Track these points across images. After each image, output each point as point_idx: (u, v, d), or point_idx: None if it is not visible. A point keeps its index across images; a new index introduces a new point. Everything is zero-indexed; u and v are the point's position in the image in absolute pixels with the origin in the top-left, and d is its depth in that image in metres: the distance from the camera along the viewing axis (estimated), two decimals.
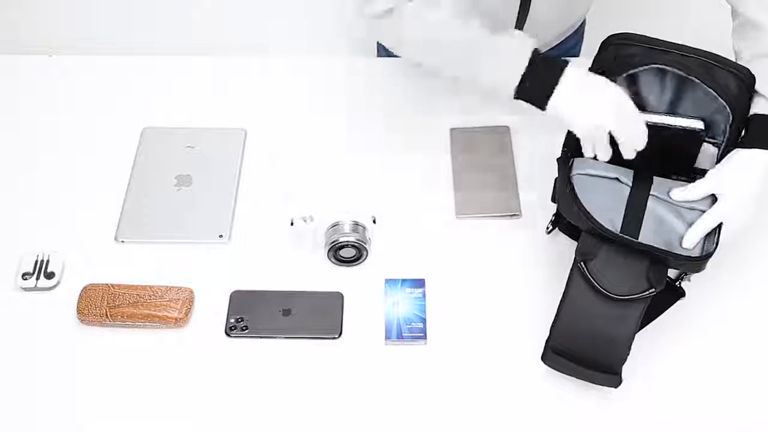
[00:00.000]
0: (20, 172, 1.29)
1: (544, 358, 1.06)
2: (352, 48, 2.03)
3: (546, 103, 1.06)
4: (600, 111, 1.04)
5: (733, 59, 1.10)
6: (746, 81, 1.07)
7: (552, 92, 1.05)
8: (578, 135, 1.06)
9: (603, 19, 1.50)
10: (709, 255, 1.04)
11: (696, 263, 1.05)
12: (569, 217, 1.09)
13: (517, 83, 1.06)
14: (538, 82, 1.06)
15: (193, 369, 1.10)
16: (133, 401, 1.07)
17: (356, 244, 1.15)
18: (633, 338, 1.03)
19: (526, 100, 1.08)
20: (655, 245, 1.04)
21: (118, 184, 1.27)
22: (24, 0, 2.27)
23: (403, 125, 1.34)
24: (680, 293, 1.14)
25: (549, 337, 1.06)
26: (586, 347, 1.04)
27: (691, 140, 1.09)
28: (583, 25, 1.47)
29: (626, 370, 1.05)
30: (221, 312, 1.14)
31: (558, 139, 1.12)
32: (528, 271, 1.18)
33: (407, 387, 1.09)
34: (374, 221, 1.17)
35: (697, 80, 1.05)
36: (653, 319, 1.10)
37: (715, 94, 1.05)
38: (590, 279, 1.03)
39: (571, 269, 1.06)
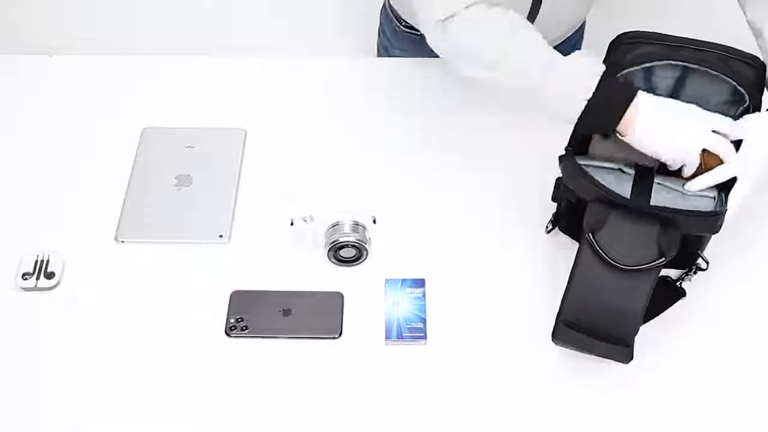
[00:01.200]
0: (20, 172, 1.29)
1: (555, 334, 1.04)
2: (352, 48, 2.03)
3: (616, 128, 1.03)
4: (685, 138, 1.03)
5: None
6: (760, 69, 1.08)
7: (622, 115, 1.02)
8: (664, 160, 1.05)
9: (602, 19, 1.51)
10: (722, 212, 1.02)
11: (709, 222, 1.03)
12: (576, 186, 1.07)
13: (581, 109, 1.02)
14: (607, 107, 1.02)
15: (193, 369, 1.10)
16: (133, 402, 1.07)
17: (356, 244, 1.15)
18: (645, 309, 1.02)
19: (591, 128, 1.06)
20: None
21: (118, 184, 1.27)
22: (24, 0, 2.27)
23: (403, 125, 1.34)
24: (681, 293, 1.14)
25: (559, 312, 1.04)
26: (597, 320, 1.02)
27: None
28: (583, 24, 1.47)
29: (629, 367, 1.04)
30: (221, 312, 1.14)
31: (558, 138, 1.12)
32: (528, 271, 1.18)
33: (407, 387, 1.09)
34: (374, 221, 1.17)
35: (718, 73, 1.06)
36: (653, 317, 1.10)
37: (735, 84, 1.06)
38: (599, 251, 1.02)
39: (580, 242, 1.05)
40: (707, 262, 1.13)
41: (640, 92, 1.03)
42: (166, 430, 1.05)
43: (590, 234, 1.03)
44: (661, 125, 1.03)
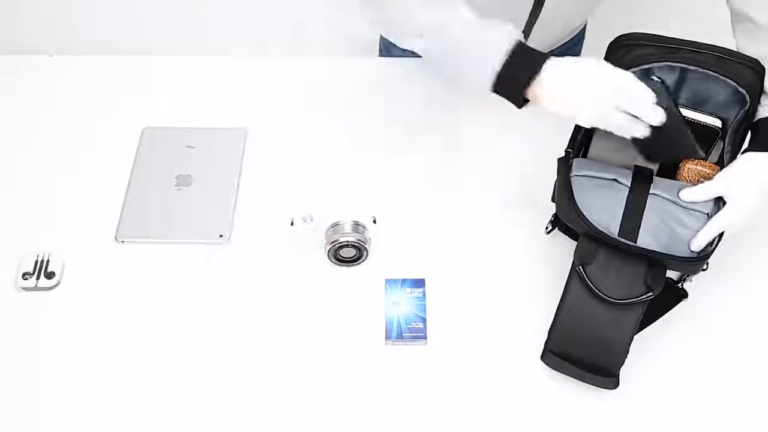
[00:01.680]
0: (20, 172, 1.29)
1: (544, 358, 1.07)
2: (352, 48, 2.03)
3: (522, 96, 1.04)
4: (598, 99, 1.01)
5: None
6: (757, 69, 1.08)
7: (530, 82, 1.03)
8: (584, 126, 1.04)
9: (604, 20, 1.51)
10: (707, 256, 1.04)
11: (693, 265, 1.05)
12: (567, 220, 1.09)
13: (494, 75, 1.04)
14: (518, 72, 1.04)
15: (192, 369, 1.10)
16: (133, 401, 1.07)
17: (356, 244, 1.15)
18: (631, 342, 1.04)
19: (503, 94, 1.06)
20: (652, 248, 1.03)
21: (118, 184, 1.27)
22: (24, 0, 2.27)
23: (404, 125, 1.34)
24: (683, 294, 1.14)
25: (547, 340, 1.07)
26: (584, 351, 1.05)
27: (706, 137, 1.08)
28: (584, 25, 1.47)
29: (626, 370, 1.05)
30: (221, 312, 1.14)
31: (558, 138, 1.12)
32: (528, 271, 1.18)
33: (407, 387, 1.09)
34: (374, 221, 1.17)
35: (717, 74, 1.06)
36: (655, 320, 1.10)
37: (735, 85, 1.06)
38: (588, 283, 1.04)
39: (570, 273, 1.06)
40: (707, 264, 1.13)
41: (547, 62, 1.04)
42: (167, 429, 1.05)
43: (581, 267, 1.04)
44: (565, 92, 1.03)
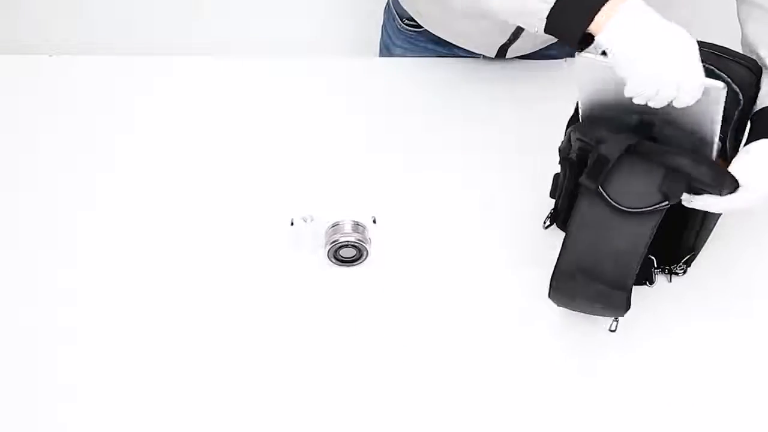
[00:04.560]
0: (20, 172, 1.29)
1: (555, 280, 1.03)
2: (352, 48, 2.03)
3: (581, 35, 0.94)
4: (665, 58, 0.93)
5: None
6: (753, 69, 1.08)
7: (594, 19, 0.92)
8: (631, 86, 0.95)
9: None
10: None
11: (715, 184, 0.99)
12: (581, 131, 1.04)
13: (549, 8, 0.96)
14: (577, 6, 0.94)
15: (191, 371, 1.10)
16: (134, 401, 1.07)
17: (356, 244, 1.15)
18: (644, 253, 1.01)
19: (558, 32, 0.97)
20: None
21: (118, 184, 1.26)
22: (24, 0, 2.27)
23: (403, 125, 1.34)
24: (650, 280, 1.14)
25: (559, 258, 1.03)
26: (597, 262, 1.01)
27: (708, 102, 1.01)
28: None
29: (612, 367, 1.04)
30: (221, 314, 1.14)
31: (558, 136, 1.12)
32: (526, 267, 1.17)
33: (407, 387, 1.08)
34: (374, 221, 1.17)
35: (713, 68, 1.04)
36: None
37: (729, 81, 1.04)
38: (602, 193, 1.00)
39: (582, 187, 1.03)
40: (687, 269, 1.15)
41: None
42: (167, 428, 1.05)
43: (594, 177, 1.01)
44: (639, 35, 0.94)
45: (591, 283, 1.01)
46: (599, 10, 0.94)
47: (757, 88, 1.09)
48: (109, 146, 1.31)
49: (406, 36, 1.48)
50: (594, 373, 1.09)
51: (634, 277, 1.01)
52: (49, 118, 1.36)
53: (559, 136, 1.12)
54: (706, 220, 1.11)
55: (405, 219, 1.23)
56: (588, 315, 1.09)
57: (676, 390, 1.08)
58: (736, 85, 1.05)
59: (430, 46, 1.46)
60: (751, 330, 1.14)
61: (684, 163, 0.99)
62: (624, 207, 0.99)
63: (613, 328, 1.08)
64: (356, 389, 1.08)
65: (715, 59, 1.06)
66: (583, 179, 1.01)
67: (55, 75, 1.42)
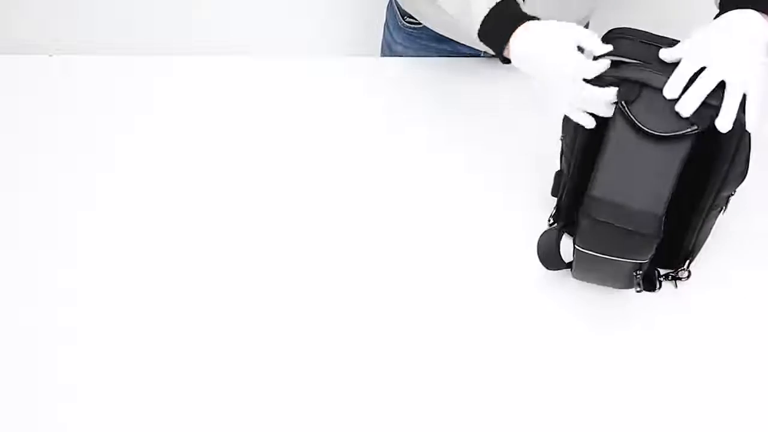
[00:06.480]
0: (20, 172, 1.29)
1: (578, 230, 1.03)
2: (352, 48, 2.03)
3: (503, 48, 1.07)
4: (548, 69, 1.05)
5: None
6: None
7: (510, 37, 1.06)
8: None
9: (606, 17, 1.50)
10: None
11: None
12: (618, 47, 1.05)
13: (480, 21, 1.08)
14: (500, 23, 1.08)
15: (191, 372, 1.10)
16: (137, 401, 1.07)
17: None
18: (675, 183, 1.00)
19: (488, 44, 1.10)
20: None
21: (118, 184, 1.26)
22: (24, 0, 2.27)
23: (404, 125, 1.34)
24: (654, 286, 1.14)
25: (590, 186, 1.02)
26: (627, 189, 1.01)
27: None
28: (586, 26, 1.47)
29: (617, 371, 1.04)
30: (221, 315, 1.14)
31: (557, 135, 1.12)
32: (528, 266, 1.17)
33: (408, 387, 1.08)
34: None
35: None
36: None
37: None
38: (632, 118, 1.00)
39: (613, 114, 1.03)
40: (689, 275, 1.14)
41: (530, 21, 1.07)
42: (169, 426, 1.05)
43: (623, 103, 1.01)
44: (532, 50, 1.07)
45: (622, 212, 1.01)
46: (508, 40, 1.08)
47: None
48: (109, 146, 1.31)
49: (407, 33, 1.48)
50: (594, 373, 1.09)
51: (666, 205, 1.00)
52: (49, 118, 1.36)
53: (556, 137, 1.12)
54: (706, 220, 1.11)
55: (406, 218, 1.23)
56: (591, 315, 1.09)
57: (676, 390, 1.08)
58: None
59: (432, 43, 1.46)
60: (751, 330, 1.14)
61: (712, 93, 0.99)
62: (653, 131, 1.00)
63: (638, 289, 1.07)
64: (356, 387, 1.08)
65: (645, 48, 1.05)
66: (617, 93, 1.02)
67: (55, 75, 1.42)
